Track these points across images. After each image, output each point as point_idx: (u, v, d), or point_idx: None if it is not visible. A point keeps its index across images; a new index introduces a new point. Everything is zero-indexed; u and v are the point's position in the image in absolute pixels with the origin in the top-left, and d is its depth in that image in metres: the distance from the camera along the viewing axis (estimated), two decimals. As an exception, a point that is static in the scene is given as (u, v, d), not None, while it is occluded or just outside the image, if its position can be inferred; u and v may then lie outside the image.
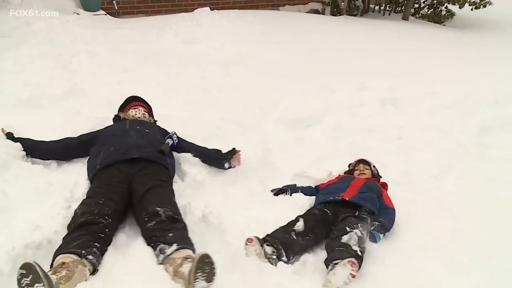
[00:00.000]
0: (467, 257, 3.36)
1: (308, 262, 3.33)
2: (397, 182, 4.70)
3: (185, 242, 3.04)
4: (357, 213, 3.68)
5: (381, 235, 3.67)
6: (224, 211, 3.67)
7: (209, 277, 2.66)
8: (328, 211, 3.74)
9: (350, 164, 4.83)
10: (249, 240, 3.20)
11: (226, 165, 4.36)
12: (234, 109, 6.07)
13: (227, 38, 9.18)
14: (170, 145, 4.14)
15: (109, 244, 3.10)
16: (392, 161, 5.18)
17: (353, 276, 2.98)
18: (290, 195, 4.24)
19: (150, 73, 6.87)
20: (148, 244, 3.09)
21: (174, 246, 2.94)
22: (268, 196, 4.24)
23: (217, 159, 4.34)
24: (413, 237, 3.75)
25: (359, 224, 3.46)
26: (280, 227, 3.52)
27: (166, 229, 3.08)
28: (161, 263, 2.94)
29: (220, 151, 4.44)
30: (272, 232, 3.44)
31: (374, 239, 3.59)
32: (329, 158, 5.17)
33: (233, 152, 4.38)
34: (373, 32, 11.05)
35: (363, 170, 4.58)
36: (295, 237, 3.39)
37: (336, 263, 3.05)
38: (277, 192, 4.28)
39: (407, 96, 6.78)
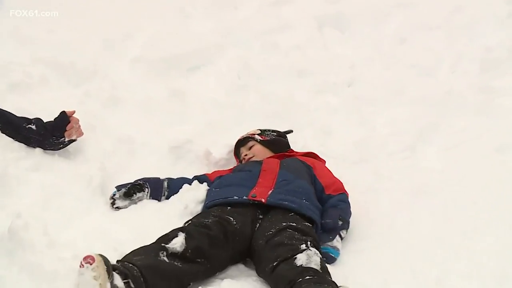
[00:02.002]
0: (462, 275, 3.41)
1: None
2: (348, 159, 4.86)
3: None
4: (292, 222, 3.71)
5: (339, 246, 3.78)
6: (46, 222, 3.57)
7: None
8: (231, 219, 3.75)
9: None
10: (87, 259, 3.08)
11: (60, 144, 4.41)
12: (58, 43, 5.96)
13: None
14: None
15: None
16: (338, 124, 5.34)
17: None
18: (155, 197, 4.27)
19: None
20: None
21: None
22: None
23: (40, 137, 4.33)
24: (379, 247, 3.81)
25: (308, 240, 3.52)
26: (142, 246, 3.43)
27: None
28: None
29: (40, 120, 4.36)
30: (129, 254, 3.39)
31: (328, 259, 3.67)
32: (230, 124, 5.27)
33: (63, 119, 4.36)
34: None
35: (247, 154, 4.67)
36: (166, 260, 3.35)
37: None
38: (123, 189, 4.22)
39: (360, 11, 6.95)
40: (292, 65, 6.14)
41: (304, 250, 3.35)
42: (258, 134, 4.75)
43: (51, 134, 4.34)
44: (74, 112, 4.43)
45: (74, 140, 4.45)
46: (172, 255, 3.36)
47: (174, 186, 4.31)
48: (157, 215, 4.00)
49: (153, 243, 3.46)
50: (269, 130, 4.82)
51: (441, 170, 4.62)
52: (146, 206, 4.14)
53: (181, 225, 3.76)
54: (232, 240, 3.61)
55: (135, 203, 4.21)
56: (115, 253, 3.35)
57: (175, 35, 6.47)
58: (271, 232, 3.58)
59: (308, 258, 3.30)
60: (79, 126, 4.45)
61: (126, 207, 4.17)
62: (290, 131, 4.88)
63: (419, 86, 5.82)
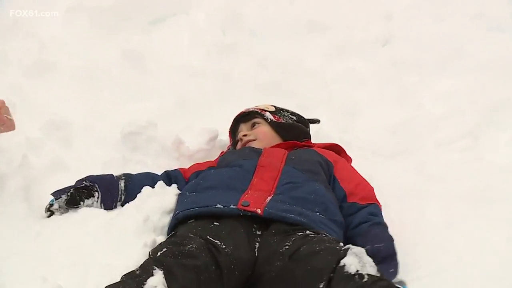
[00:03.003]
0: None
1: None
2: (380, 151, 4.86)
3: None
4: (303, 233, 3.60)
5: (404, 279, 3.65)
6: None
7: None
8: (218, 242, 3.56)
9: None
10: None
11: None
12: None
13: None
14: None
15: None
16: (368, 101, 5.34)
17: None
18: (107, 204, 4.16)
19: None
20: None
21: None
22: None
23: None
24: (430, 277, 3.68)
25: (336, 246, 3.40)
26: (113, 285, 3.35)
27: None
28: None
29: None
30: None
31: None
32: (210, 100, 5.28)
33: None
34: None
35: (247, 135, 4.61)
36: None
37: None
38: (63, 196, 4.08)
39: None
40: (300, 16, 6.15)
41: (345, 249, 3.17)
42: (270, 112, 4.66)
43: None
44: (3, 102, 4.19)
45: None
46: None
47: (134, 186, 4.17)
48: (105, 231, 3.82)
49: (118, 283, 3.24)
50: (287, 111, 4.74)
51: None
52: (89, 218, 3.99)
53: (142, 248, 3.61)
54: (227, 271, 3.40)
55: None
56: (44, 284, 3.25)
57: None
58: (287, 246, 3.39)
59: (359, 259, 3.11)
60: (11, 119, 4.21)
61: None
62: (316, 121, 4.81)
63: (486, 45, 5.82)
